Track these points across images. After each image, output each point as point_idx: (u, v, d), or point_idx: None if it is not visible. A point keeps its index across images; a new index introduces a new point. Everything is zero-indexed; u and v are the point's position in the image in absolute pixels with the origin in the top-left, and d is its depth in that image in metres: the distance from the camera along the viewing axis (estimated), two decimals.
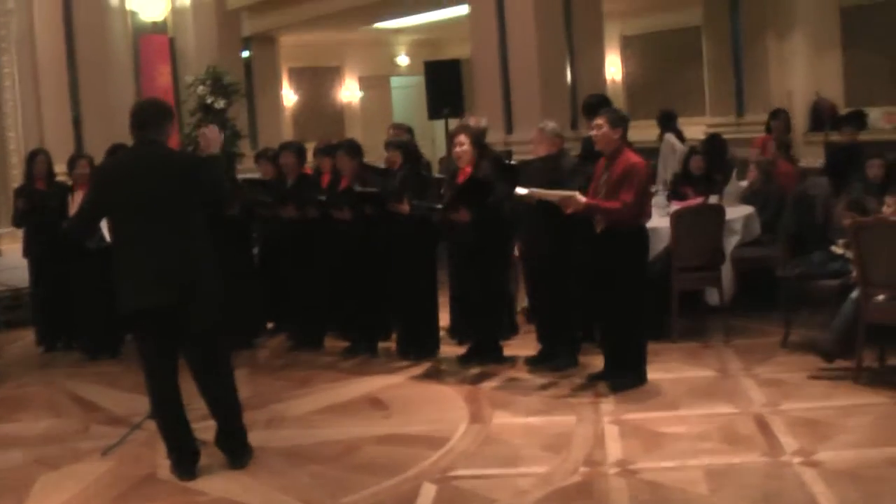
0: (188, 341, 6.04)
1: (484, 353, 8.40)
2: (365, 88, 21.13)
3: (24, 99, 15.99)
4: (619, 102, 17.54)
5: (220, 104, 13.96)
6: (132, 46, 16.78)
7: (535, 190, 7.32)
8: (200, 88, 13.99)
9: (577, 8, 12.70)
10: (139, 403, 7.08)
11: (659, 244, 8.87)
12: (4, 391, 8.69)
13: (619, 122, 7.34)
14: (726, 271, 9.02)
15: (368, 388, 7.93)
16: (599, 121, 7.33)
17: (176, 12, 17.90)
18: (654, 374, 7.56)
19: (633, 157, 7.34)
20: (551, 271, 7.90)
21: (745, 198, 10.55)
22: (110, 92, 15.81)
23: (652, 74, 17.56)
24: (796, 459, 5.74)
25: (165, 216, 5.88)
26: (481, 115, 9.37)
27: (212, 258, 6.08)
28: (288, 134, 19.47)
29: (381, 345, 9.10)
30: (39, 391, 8.59)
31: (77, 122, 16.03)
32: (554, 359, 8.04)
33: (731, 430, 6.31)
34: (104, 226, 7.22)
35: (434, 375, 8.17)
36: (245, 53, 18.20)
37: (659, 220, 9.14)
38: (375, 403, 7.52)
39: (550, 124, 8.07)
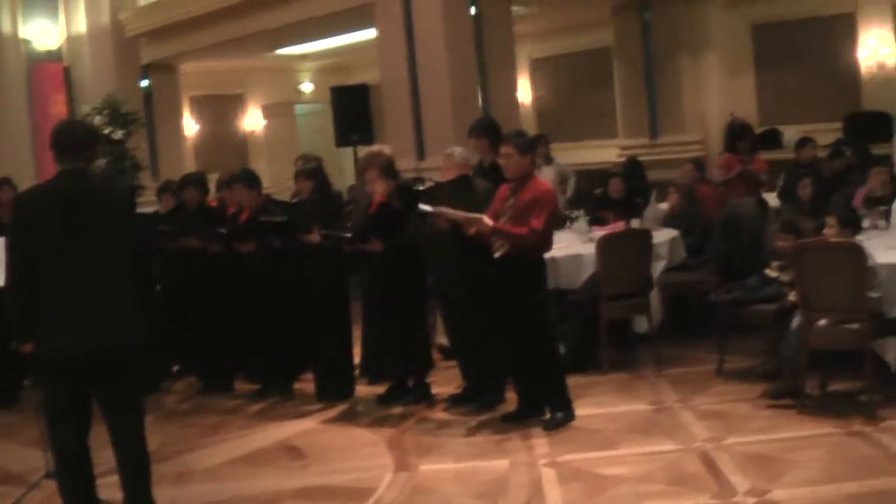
0: (111, 396, 5.32)
1: (407, 391, 7.93)
2: (269, 116, 20.54)
3: None
4: (529, 126, 17.30)
5: (118, 135, 13.30)
6: (26, 76, 16.12)
7: (440, 208, 6.91)
8: (97, 118, 13.31)
9: (488, 30, 12.36)
10: (36, 459, 6.42)
11: (583, 272, 8.52)
12: None
13: (528, 147, 7.02)
14: (654, 298, 8.68)
15: (283, 434, 7.40)
16: (507, 149, 6.96)
17: (71, 40, 17.25)
18: (586, 409, 7.15)
19: (543, 184, 7.05)
20: (466, 302, 7.45)
21: (667, 221, 10.26)
22: (3, 123, 15.12)
23: (562, 97, 17.31)
24: (750, 500, 5.35)
25: (99, 255, 5.19)
26: (384, 144, 8.93)
27: (138, 302, 5.43)
28: (190, 164, 18.81)
29: (296, 386, 8.57)
30: None
31: None
32: (479, 396, 7.58)
33: (676, 470, 5.89)
34: None
35: (352, 418, 7.67)
36: (144, 82, 17.52)
37: (582, 247, 8.81)
38: (292, 452, 6.98)
39: (458, 150, 7.69)
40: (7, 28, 16.36)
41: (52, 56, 16.68)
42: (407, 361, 7.89)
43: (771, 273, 7.64)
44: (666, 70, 14.03)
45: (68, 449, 5.34)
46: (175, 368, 9.51)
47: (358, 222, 7.75)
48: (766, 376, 7.43)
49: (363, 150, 12.87)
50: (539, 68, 17.61)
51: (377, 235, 7.56)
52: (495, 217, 6.92)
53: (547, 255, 8.29)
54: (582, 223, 9.70)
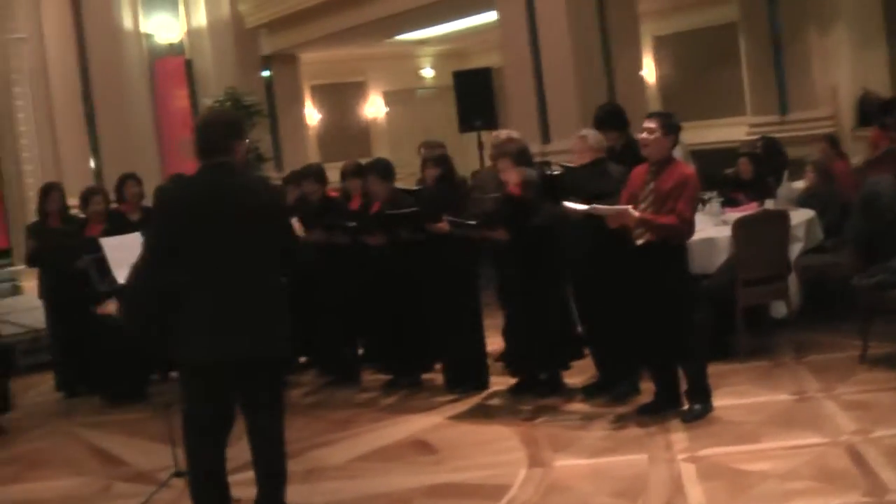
0: (256, 400, 5.16)
1: (539, 384, 7.77)
2: (390, 103, 20.52)
3: (39, 131, 15.47)
4: (654, 105, 16.93)
5: None
6: (148, 71, 16.33)
7: (592, 206, 6.66)
8: None
9: (611, 9, 12.07)
10: (165, 456, 6.46)
11: (718, 257, 8.24)
12: (22, 446, 8.13)
13: (673, 128, 6.71)
14: (792, 282, 8.36)
15: (414, 428, 7.30)
16: (652, 124, 6.68)
17: (192, 33, 17.33)
18: (724, 399, 6.90)
19: (686, 168, 6.75)
20: (600, 291, 7.24)
21: (802, 201, 9.89)
22: (127, 119, 15.34)
23: (687, 75, 16.86)
24: None
25: (251, 254, 4.98)
26: (510, 129, 8.70)
27: (287, 307, 5.22)
28: (313, 155, 18.93)
29: (425, 377, 8.48)
30: (59, 445, 8.02)
31: (95, 153, 15.57)
32: (613, 386, 7.38)
33: (822, 466, 5.61)
34: (118, 267, 6.59)
35: (484, 412, 7.53)
36: (265, 73, 17.64)
37: (715, 230, 8.52)
38: (423, 447, 6.89)
39: (592, 132, 7.44)
40: (128, 23, 16.49)
41: (174, 50, 16.81)
42: (550, 355, 7.70)
43: None
44: (794, 44, 13.51)
45: (207, 468, 5.17)
46: (301, 361, 9.50)
47: (486, 209, 7.59)
48: None
49: (487, 135, 12.78)
50: (663, 46, 17.18)
51: (504, 224, 7.40)
52: (631, 200, 6.70)
53: None
54: (714, 205, 9.39)
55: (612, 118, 7.88)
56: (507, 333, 7.83)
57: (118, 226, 9.05)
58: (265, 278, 5.09)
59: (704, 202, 9.57)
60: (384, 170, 8.42)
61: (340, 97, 20.22)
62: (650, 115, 6.81)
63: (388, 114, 20.52)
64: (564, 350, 7.74)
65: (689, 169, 6.74)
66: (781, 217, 8.21)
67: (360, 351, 8.98)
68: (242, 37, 17.22)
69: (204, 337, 4.97)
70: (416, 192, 8.37)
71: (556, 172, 7.40)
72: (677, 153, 11.61)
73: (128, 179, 9.99)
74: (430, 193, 8.11)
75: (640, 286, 6.73)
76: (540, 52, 11.89)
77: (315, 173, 9.13)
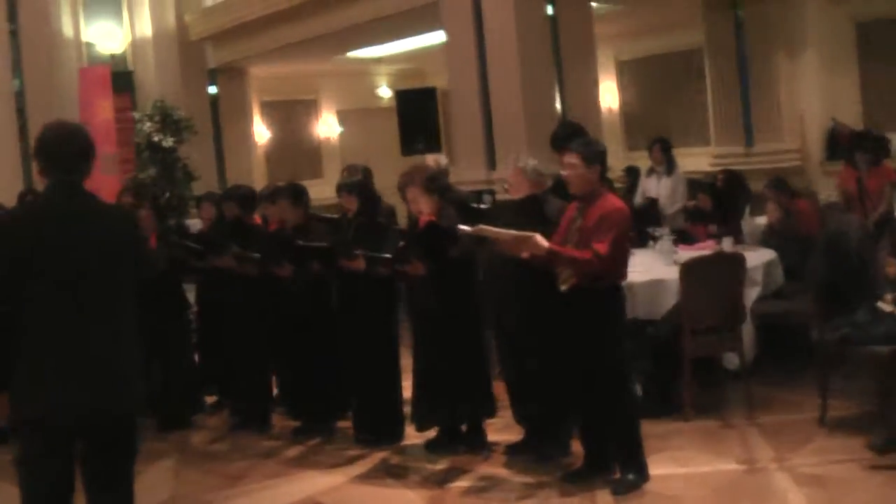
0: (101, 469, 4.30)
1: (458, 437, 6.94)
2: (344, 122, 19.66)
3: None
4: (616, 132, 16.19)
5: (169, 142, 12.47)
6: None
7: (482, 227, 5.86)
8: (147, 125, 12.51)
9: (566, 31, 11.27)
10: None
11: (666, 300, 7.44)
12: None
13: (596, 157, 5.90)
14: (746, 331, 7.55)
15: (311, 488, 6.45)
16: (571, 158, 5.88)
17: (136, 44, 16.54)
18: (662, 467, 6.08)
19: (615, 201, 5.92)
20: (528, 340, 6.41)
21: (765, 239, 9.13)
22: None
23: (651, 101, 16.12)
24: None
25: (102, 294, 4.20)
26: (439, 154, 7.85)
27: (141, 352, 4.41)
28: (260, 173, 18.06)
29: (341, 424, 7.64)
30: None
31: (26, 163, 14.69)
32: (539, 447, 6.55)
33: None
34: None
35: (392, 471, 6.66)
36: (212, 88, 16.80)
37: (665, 271, 7.73)
38: None
39: (531, 162, 6.59)
40: (68, 30, 15.70)
41: (116, 60, 16.00)
42: (460, 404, 6.86)
43: (885, 307, 6.51)
44: (761, 70, 12.80)
45: None
46: (211, 400, 8.66)
47: (399, 242, 6.77)
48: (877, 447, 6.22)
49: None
50: (626, 71, 16.45)
51: (419, 257, 6.58)
52: (562, 242, 5.88)
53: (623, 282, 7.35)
54: (665, 242, 8.59)
55: (571, 138, 6.95)
56: (419, 380, 6.97)
57: None
58: (114, 318, 4.25)
59: (655, 239, 8.83)
60: (294, 193, 7.58)
61: (291, 114, 19.31)
62: (568, 148, 6.00)
63: (341, 134, 19.64)
64: (486, 398, 6.91)
65: (617, 202, 5.92)
66: (736, 260, 7.40)
67: (275, 392, 8.14)
68: (187, 49, 16.42)
69: (38, 387, 4.13)
70: (334, 221, 7.54)
71: (482, 206, 6.55)
72: (666, 187, 10.95)
73: (28, 194, 9.19)
74: (349, 225, 7.26)
75: (567, 335, 5.92)
76: (487, 73, 11.08)
77: (239, 196, 8.23)
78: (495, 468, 6.50)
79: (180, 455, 7.44)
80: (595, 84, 11.86)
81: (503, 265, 6.25)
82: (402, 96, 13.34)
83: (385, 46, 17.21)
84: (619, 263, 5.88)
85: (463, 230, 5.87)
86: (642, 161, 12.35)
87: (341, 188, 7.34)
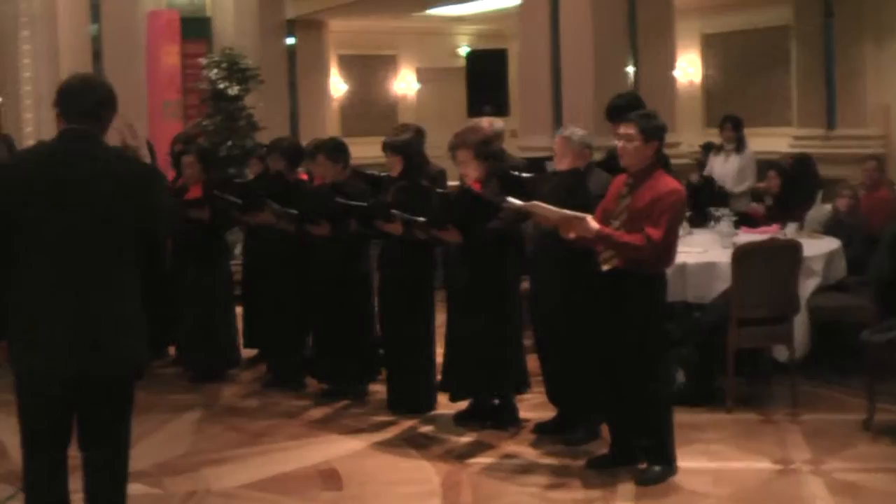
0: (93, 427, 4.15)
1: (489, 411, 6.73)
2: (423, 80, 19.39)
3: (44, 78, 14.60)
4: (696, 106, 15.73)
5: (234, 91, 12.34)
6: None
7: (532, 203, 5.58)
8: (214, 72, 12.38)
9: (643, 1, 10.89)
10: None
11: (717, 284, 7.13)
12: None
13: (655, 132, 5.56)
14: (801, 322, 7.21)
15: (327, 453, 6.27)
16: (628, 129, 5.55)
17: None
18: (692, 460, 5.81)
19: (669, 182, 5.57)
20: (562, 319, 6.15)
21: (830, 227, 8.74)
22: (137, 74, 14.38)
23: (734, 78, 15.60)
24: None
25: (95, 250, 4.02)
26: (495, 118, 7.58)
27: (140, 312, 4.20)
28: (334, 127, 17.91)
29: (374, 388, 7.49)
30: None
31: None
32: (569, 429, 6.31)
33: None
34: None
35: (414, 442, 6.46)
36: (291, 39, 16.66)
37: (720, 253, 7.41)
38: (329, 479, 5.85)
39: (578, 132, 6.30)
40: None
41: (196, 6, 15.95)
42: (493, 378, 6.65)
43: None
44: (848, 55, 12.29)
45: (45, 493, 4.17)
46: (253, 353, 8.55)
47: (435, 206, 6.53)
48: None
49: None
50: (711, 45, 15.93)
51: (456, 224, 6.35)
52: (605, 217, 5.60)
53: (676, 262, 7.05)
54: (725, 223, 8.25)
55: (627, 111, 6.59)
56: (451, 349, 6.76)
57: None
58: (114, 274, 4.07)
59: (716, 219, 8.49)
60: (334, 149, 7.39)
61: (369, 70, 19.10)
62: (628, 119, 5.68)
63: (419, 91, 19.39)
64: (519, 373, 6.69)
65: (673, 183, 5.60)
66: (792, 248, 7.04)
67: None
68: None
69: (30, 344, 4.01)
70: (377, 179, 7.33)
71: (525, 175, 6.27)
72: (733, 166, 10.59)
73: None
74: (390, 185, 7.05)
75: (603, 319, 5.65)
76: (559, 38, 10.76)
77: (284, 149, 8.06)
78: (521, 446, 6.28)
79: (206, 409, 7.33)
80: (671, 57, 11.45)
81: (551, 242, 5.96)
82: (472, 57, 13.06)
83: (466, 5, 16.91)
84: (668, 251, 5.60)
85: (510, 203, 5.61)
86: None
87: (385, 147, 7.12)
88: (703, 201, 9.83)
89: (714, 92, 15.82)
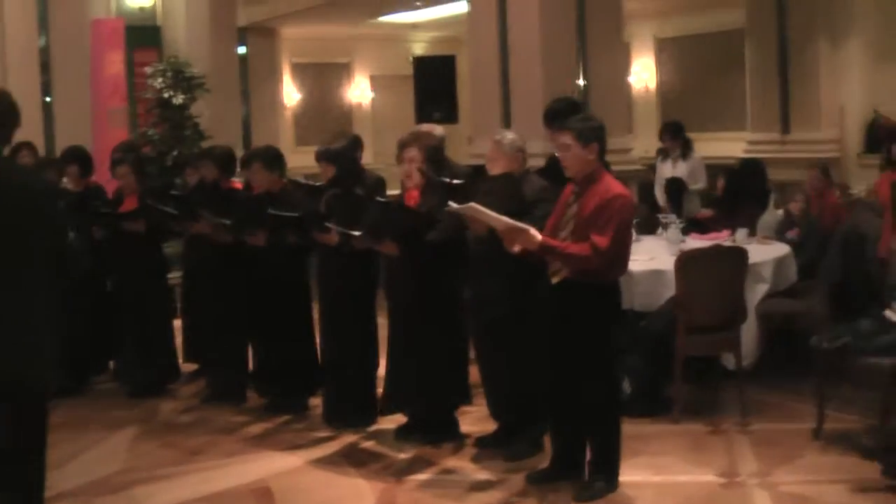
0: None
1: (430, 425, 6.54)
2: (377, 88, 19.23)
3: None
4: (652, 111, 15.66)
5: (179, 99, 12.12)
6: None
7: (472, 206, 5.38)
8: (160, 80, 12.16)
9: (593, 4, 10.74)
10: None
11: (665, 292, 6.98)
12: None
13: (592, 135, 5.39)
14: (749, 329, 7.08)
15: (263, 471, 6.09)
16: (565, 137, 5.39)
17: None
18: (635, 473, 5.66)
19: (614, 186, 5.38)
20: (508, 330, 5.98)
21: (780, 230, 8.65)
22: (82, 85, 14.11)
23: (689, 82, 15.54)
24: None
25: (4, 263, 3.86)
26: (434, 125, 7.38)
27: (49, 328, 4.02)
28: (288, 135, 17.77)
29: (314, 402, 7.29)
30: None
31: (47, 115, 14.39)
32: (511, 441, 6.14)
33: None
34: None
35: (352, 458, 6.27)
36: (242, 49, 16.44)
37: (669, 261, 7.24)
38: (261, 497, 5.69)
39: (509, 135, 6.15)
40: None
41: (145, 14, 15.70)
42: (432, 391, 6.46)
43: (892, 316, 6.02)
44: (802, 56, 12.20)
45: None
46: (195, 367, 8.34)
47: (372, 217, 6.35)
48: (870, 452, 5.79)
49: (449, 130, 11.52)
50: (665, 49, 15.87)
51: (392, 237, 6.17)
52: (555, 229, 5.43)
53: None
54: (673, 230, 8.12)
55: (564, 115, 6.38)
56: (392, 362, 6.58)
57: None
58: (20, 292, 3.89)
59: (664, 226, 8.37)
60: (268, 157, 7.21)
61: (323, 77, 18.93)
62: (562, 127, 5.51)
63: (373, 99, 19.24)
64: (460, 386, 6.51)
65: (619, 187, 5.42)
66: (737, 254, 6.91)
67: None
68: (217, 5, 15.98)
69: None
70: (313, 189, 7.14)
71: (455, 182, 6.08)
72: (682, 172, 10.46)
73: (22, 148, 8.86)
74: (328, 194, 6.87)
75: (552, 328, 5.47)
76: (508, 45, 10.59)
77: (217, 157, 7.87)
78: (462, 461, 6.11)
79: (142, 425, 7.14)
80: (621, 62, 11.31)
81: (494, 249, 5.77)
82: (420, 63, 12.84)
83: (420, 12, 16.77)
84: (619, 259, 5.40)
85: (451, 208, 5.43)
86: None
87: (318, 155, 6.95)
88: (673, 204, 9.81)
89: (670, 96, 15.76)
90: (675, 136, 10.67)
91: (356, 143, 7.50)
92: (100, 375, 8.32)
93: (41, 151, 10.29)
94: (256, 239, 7.02)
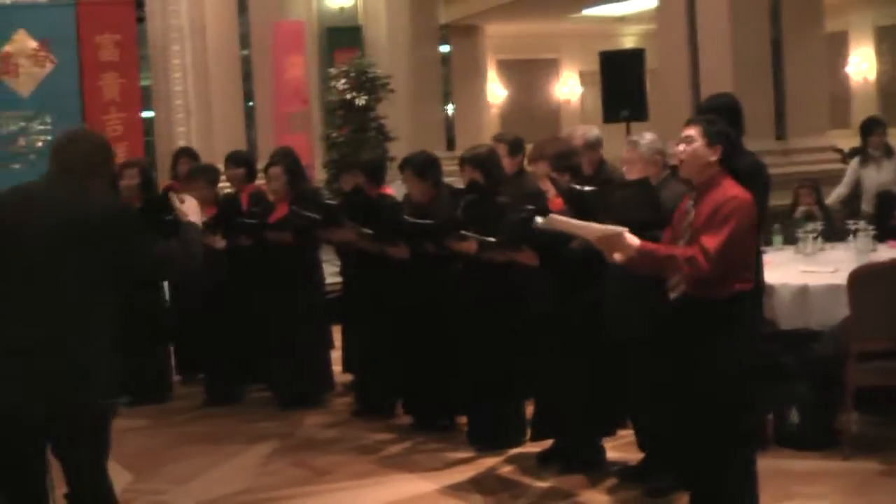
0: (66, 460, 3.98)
1: (574, 454, 6.09)
2: (586, 84, 18.74)
3: (194, 92, 14.67)
4: (871, 105, 14.57)
5: (362, 101, 12.01)
6: (318, 35, 15.38)
7: (554, 217, 4.89)
8: (342, 82, 12.09)
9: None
10: None
11: (844, 310, 6.25)
12: None
13: (719, 136, 4.78)
14: None
15: (392, 495, 5.81)
16: (690, 130, 4.78)
17: None
18: None
19: (732, 188, 4.70)
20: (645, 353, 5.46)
21: None
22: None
23: None
24: None
25: (42, 291, 3.87)
26: (590, 126, 6.91)
27: (111, 363, 4.00)
28: (492, 135, 17.47)
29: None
30: None
31: (249, 119, 14.67)
32: (653, 476, 5.62)
33: None
34: None
35: (485, 485, 5.88)
36: (445, 47, 16.34)
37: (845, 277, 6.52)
38: None
39: (648, 136, 5.63)
40: None
41: (346, 14, 15.78)
42: (584, 417, 6.00)
43: None
44: None
45: None
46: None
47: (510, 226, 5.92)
48: None
49: (638, 129, 10.97)
50: (886, 38, 14.73)
51: (532, 245, 5.75)
52: (672, 241, 4.88)
53: (798, 284, 6.25)
54: (863, 238, 7.31)
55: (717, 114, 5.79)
56: (538, 385, 6.17)
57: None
58: (76, 314, 3.87)
59: (854, 233, 7.57)
60: (423, 166, 6.88)
61: (529, 74, 18.63)
62: (690, 120, 4.93)
63: (582, 95, 18.76)
64: (606, 412, 6.03)
65: (736, 189, 4.77)
66: None
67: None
68: (419, 3, 15.90)
69: None
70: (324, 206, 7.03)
71: (587, 189, 5.56)
72: (888, 172, 9.58)
73: (182, 156, 8.94)
74: (466, 200, 6.49)
75: (676, 359, 4.92)
76: (698, 42, 9.94)
77: (364, 164, 7.59)
78: (598, 494, 5.64)
79: (282, 440, 6.96)
80: (818, 58, 10.39)
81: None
82: (607, 59, 12.27)
83: (627, 4, 16.23)
84: (737, 265, 4.67)
85: (539, 221, 4.96)
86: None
87: (461, 161, 6.61)
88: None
89: (889, 89, 14.61)
90: (881, 133, 9.67)
91: (520, 149, 7.06)
92: (260, 383, 8.22)
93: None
94: (398, 250, 6.74)
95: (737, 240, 4.59)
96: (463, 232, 6.11)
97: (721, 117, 5.39)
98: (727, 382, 4.70)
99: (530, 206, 5.81)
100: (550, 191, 5.91)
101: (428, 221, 6.40)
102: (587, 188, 5.49)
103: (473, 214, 6.25)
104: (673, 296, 4.81)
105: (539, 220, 4.90)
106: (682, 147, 4.77)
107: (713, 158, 4.71)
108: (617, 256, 4.68)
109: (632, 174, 5.57)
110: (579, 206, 5.26)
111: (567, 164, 5.94)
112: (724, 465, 4.73)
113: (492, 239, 5.94)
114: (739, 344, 4.73)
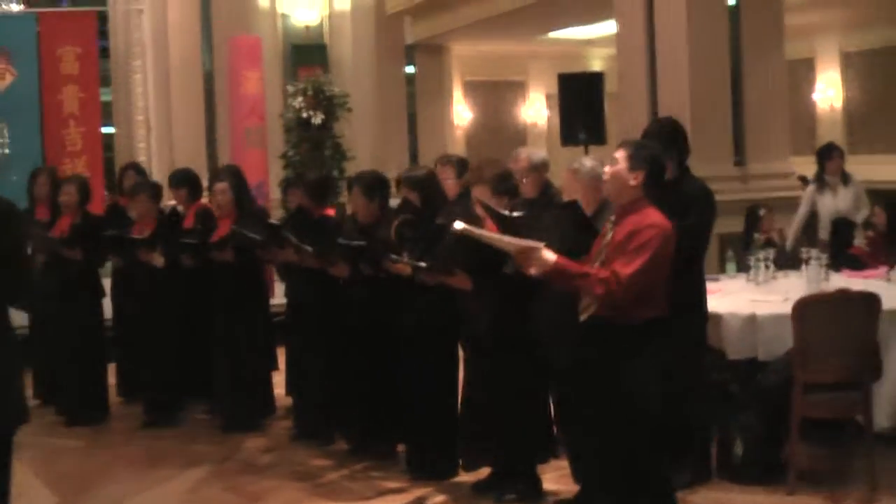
0: None
1: (512, 480, 5.92)
2: (552, 107, 18.65)
3: (157, 107, 14.47)
4: (837, 132, 14.49)
5: (318, 120, 11.85)
6: (281, 52, 15.22)
7: (471, 228, 4.77)
8: (299, 100, 11.93)
9: (750, 22, 9.86)
10: None
11: (786, 342, 6.11)
12: None
13: (644, 161, 4.66)
14: (885, 390, 6.16)
15: None
16: (618, 152, 4.71)
17: (333, 16, 16.02)
18: None
19: (652, 215, 4.60)
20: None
21: None
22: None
23: (877, 100, 14.29)
24: None
25: None
26: (534, 149, 6.77)
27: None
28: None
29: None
30: None
31: (210, 134, 14.46)
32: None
33: None
34: None
35: None
36: (410, 68, 16.20)
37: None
38: None
39: (588, 163, 5.50)
40: (265, 1, 15.42)
41: (311, 33, 15.60)
42: (513, 444, 5.86)
43: None
44: None
45: None
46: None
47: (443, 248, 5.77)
48: None
49: (595, 151, 10.87)
50: (853, 64, 14.67)
51: (464, 266, 5.60)
52: (589, 263, 4.74)
53: (746, 313, 6.12)
54: (814, 268, 7.18)
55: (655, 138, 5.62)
56: (470, 412, 6.00)
57: (113, 220, 8.27)
58: None
59: (805, 262, 7.44)
60: (371, 185, 6.72)
61: (496, 96, 18.50)
62: (620, 143, 4.83)
63: (549, 117, 18.66)
64: (543, 440, 5.88)
65: (658, 217, 4.64)
66: (868, 300, 5.98)
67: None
68: (384, 23, 15.74)
69: None
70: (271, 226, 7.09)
71: (515, 214, 5.41)
72: (845, 199, 9.49)
73: (128, 170, 8.80)
74: (399, 221, 6.35)
75: (587, 382, 4.79)
76: (656, 64, 9.80)
77: (308, 184, 7.43)
78: None
79: (217, 464, 6.81)
80: (778, 81, 10.28)
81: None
82: (565, 81, 12.15)
83: (594, 28, 16.13)
84: (650, 293, 4.58)
85: (458, 228, 4.79)
86: (863, 167, 10.83)
87: (398, 182, 6.48)
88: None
89: (856, 116, 14.58)
90: (841, 157, 9.59)
91: (463, 168, 6.92)
92: (201, 404, 8.03)
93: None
94: (339, 269, 6.60)
95: (651, 268, 4.50)
96: (393, 256, 5.96)
97: (660, 141, 5.34)
98: (634, 405, 4.60)
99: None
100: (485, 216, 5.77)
101: (360, 243, 6.25)
102: (516, 214, 5.37)
103: (407, 236, 6.11)
104: (583, 317, 4.69)
105: (457, 226, 4.75)
106: (606, 168, 4.69)
107: (633, 182, 4.62)
108: (533, 271, 4.56)
109: (570, 199, 5.42)
110: (511, 232, 5.10)
111: (505, 186, 5.80)
112: (638, 491, 4.60)
113: (423, 264, 5.79)
114: (647, 368, 4.61)
